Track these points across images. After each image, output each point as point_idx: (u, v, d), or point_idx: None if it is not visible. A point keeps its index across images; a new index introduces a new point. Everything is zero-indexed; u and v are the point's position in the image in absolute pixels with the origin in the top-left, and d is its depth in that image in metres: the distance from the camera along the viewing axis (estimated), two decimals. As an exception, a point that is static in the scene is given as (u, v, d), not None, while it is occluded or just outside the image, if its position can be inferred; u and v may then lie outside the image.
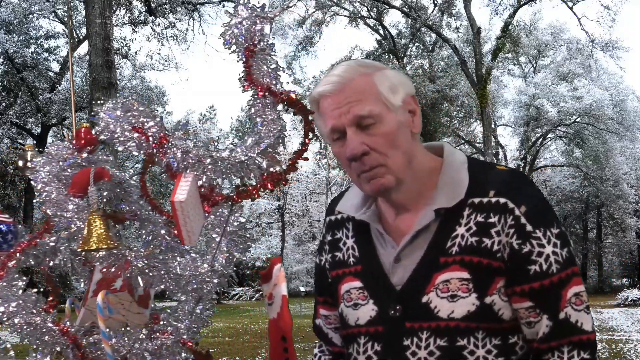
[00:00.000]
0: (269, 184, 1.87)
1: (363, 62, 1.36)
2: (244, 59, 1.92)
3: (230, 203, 1.91)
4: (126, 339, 1.83)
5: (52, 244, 1.87)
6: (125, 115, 1.83)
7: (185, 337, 1.84)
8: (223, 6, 21.26)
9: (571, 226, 42.47)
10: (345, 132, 1.32)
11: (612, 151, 35.24)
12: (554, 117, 33.41)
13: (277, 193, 37.74)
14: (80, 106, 18.95)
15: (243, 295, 33.57)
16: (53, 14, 23.43)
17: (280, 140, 1.85)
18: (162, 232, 1.93)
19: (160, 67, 25.04)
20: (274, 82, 1.84)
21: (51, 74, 24.11)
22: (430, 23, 26.42)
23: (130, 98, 1.87)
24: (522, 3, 25.83)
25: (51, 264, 1.89)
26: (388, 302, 1.34)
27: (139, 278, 1.78)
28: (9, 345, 1.78)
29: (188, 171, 1.80)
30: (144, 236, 1.88)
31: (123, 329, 1.95)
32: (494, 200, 1.29)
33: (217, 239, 1.89)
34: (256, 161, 1.82)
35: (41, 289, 2.12)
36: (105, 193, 1.95)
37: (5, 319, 1.79)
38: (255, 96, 1.87)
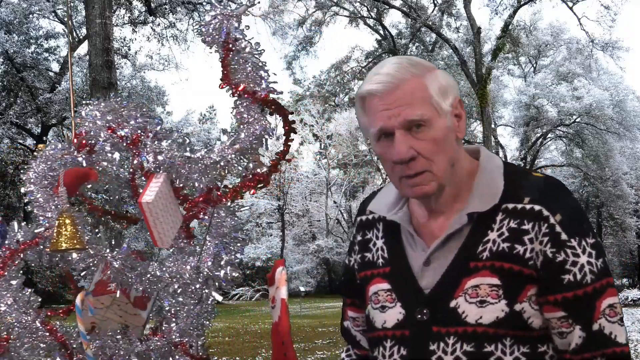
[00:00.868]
0: (250, 185, 1.85)
1: (414, 61, 1.30)
2: (222, 57, 1.90)
3: (211, 205, 1.89)
4: (109, 341, 1.81)
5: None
6: (103, 116, 1.82)
7: (179, 339, 1.83)
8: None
9: (571, 226, 42.37)
10: (392, 133, 1.27)
11: (612, 151, 35.22)
12: (554, 117, 33.40)
13: (277, 193, 37.75)
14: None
15: (243, 295, 33.56)
16: (53, 14, 23.43)
17: (260, 141, 1.83)
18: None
19: (160, 67, 25.04)
20: (258, 81, 1.83)
21: (51, 74, 24.11)
22: (430, 23, 26.41)
23: (113, 99, 1.86)
24: (522, 3, 25.82)
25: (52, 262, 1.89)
26: (416, 306, 1.32)
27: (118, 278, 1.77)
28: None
29: (160, 172, 1.78)
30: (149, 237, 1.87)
31: (114, 330, 1.95)
32: (528, 207, 1.27)
33: (208, 241, 1.88)
34: (232, 162, 1.80)
35: (45, 288, 2.11)
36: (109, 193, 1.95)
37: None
38: (237, 97, 1.86)
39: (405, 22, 29.32)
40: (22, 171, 1.91)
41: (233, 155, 1.78)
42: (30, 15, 22.70)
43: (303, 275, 38.37)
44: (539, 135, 36.76)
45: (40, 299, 1.87)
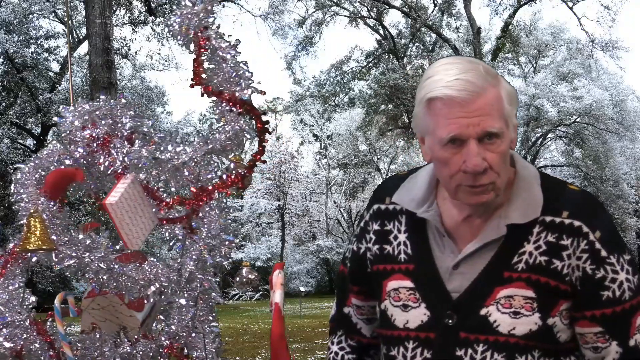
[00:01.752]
0: (224, 187, 1.84)
1: (486, 67, 1.27)
2: (195, 55, 1.89)
3: (191, 206, 1.88)
4: (88, 342, 1.80)
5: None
6: (81, 115, 1.82)
7: (170, 342, 1.82)
8: (223, 6, 21.27)
9: (571, 226, 42.38)
10: (464, 141, 1.23)
11: (612, 151, 35.21)
12: (554, 117, 33.38)
13: (277, 193, 37.74)
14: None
15: (243, 295, 33.56)
16: (53, 14, 23.42)
17: (239, 142, 1.81)
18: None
19: (160, 67, 25.05)
20: (236, 81, 1.81)
21: (51, 74, 24.09)
22: (430, 23, 26.41)
23: (102, 99, 1.85)
24: (522, 3, 25.82)
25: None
26: (443, 309, 1.31)
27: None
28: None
29: (128, 172, 1.76)
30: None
31: (112, 331, 1.94)
32: (567, 221, 1.27)
33: (195, 243, 1.87)
34: (201, 163, 1.78)
35: (45, 288, 2.11)
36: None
37: None
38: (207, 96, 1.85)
39: (405, 22, 29.31)
40: (12, 171, 1.91)
41: (203, 156, 1.76)
42: (30, 15, 22.69)
43: (303, 275, 38.36)
44: (539, 135, 36.75)
45: (35, 299, 1.86)
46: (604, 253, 1.25)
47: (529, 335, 1.25)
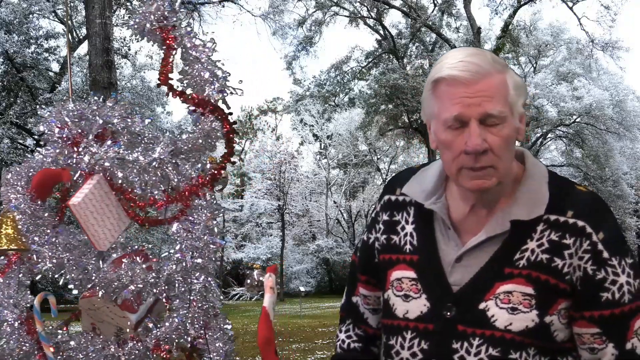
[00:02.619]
0: (194, 189, 1.83)
1: (493, 57, 1.28)
2: (164, 54, 1.88)
3: (165, 207, 1.87)
4: (73, 342, 1.80)
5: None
6: (59, 115, 1.81)
7: (158, 344, 1.81)
8: (223, 6, 21.26)
9: (571, 226, 42.36)
10: (466, 123, 1.25)
11: (612, 151, 35.21)
12: (554, 117, 33.38)
13: (277, 193, 37.73)
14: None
15: (243, 295, 33.55)
16: (53, 14, 23.42)
17: (211, 142, 1.80)
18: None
19: (160, 67, 25.00)
20: (210, 81, 1.80)
21: (51, 74, 24.09)
22: (430, 23, 26.41)
23: (67, 99, 1.86)
24: (522, 3, 25.82)
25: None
26: (443, 301, 1.31)
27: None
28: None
29: (95, 173, 1.76)
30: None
31: (110, 332, 1.94)
32: (571, 221, 1.27)
33: (177, 244, 1.86)
34: (167, 163, 1.77)
35: (45, 289, 2.11)
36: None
37: None
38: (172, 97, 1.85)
39: (405, 22, 29.30)
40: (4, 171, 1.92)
41: (172, 157, 1.76)
42: (30, 15, 22.68)
43: (303, 275, 38.35)
44: (539, 135, 36.74)
45: (33, 300, 1.86)
46: (606, 255, 1.25)
47: (525, 332, 1.25)
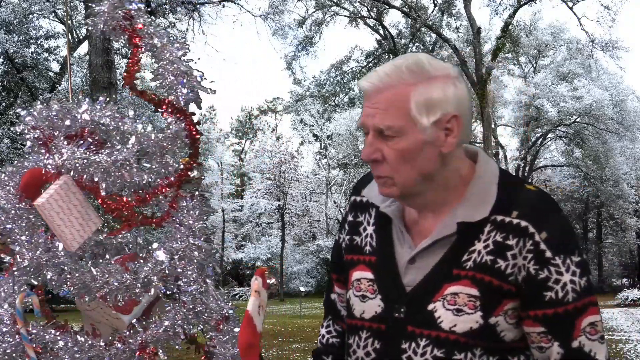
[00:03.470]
0: (162, 190, 1.82)
1: (414, 66, 1.27)
2: (131, 53, 1.88)
3: (130, 208, 1.87)
4: (62, 343, 1.80)
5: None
6: (40, 115, 1.82)
7: (143, 346, 1.81)
8: (223, 6, 21.25)
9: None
10: (368, 132, 1.30)
11: (612, 151, 35.21)
12: (554, 117, 33.38)
13: (277, 193, 37.73)
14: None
15: (243, 295, 33.55)
16: (53, 14, 23.42)
17: (179, 143, 1.79)
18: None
19: (160, 67, 25.01)
20: (179, 82, 1.80)
21: (51, 74, 24.10)
22: (430, 23, 26.41)
23: (49, 99, 1.87)
24: (522, 3, 25.81)
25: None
26: (395, 302, 1.34)
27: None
28: None
29: (63, 173, 1.76)
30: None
31: (107, 332, 1.94)
32: (515, 221, 1.28)
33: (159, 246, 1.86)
34: (131, 163, 1.77)
35: (45, 288, 2.11)
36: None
37: None
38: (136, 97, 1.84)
39: (405, 22, 29.31)
40: None
41: (139, 157, 1.75)
42: (30, 15, 22.69)
43: (303, 275, 38.36)
44: (539, 135, 36.73)
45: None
46: (548, 254, 1.25)
47: (469, 333, 1.26)
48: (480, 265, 1.27)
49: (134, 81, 1.85)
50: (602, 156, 34.90)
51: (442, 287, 1.29)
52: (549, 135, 37.22)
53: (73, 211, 1.74)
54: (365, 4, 27.60)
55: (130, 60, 1.84)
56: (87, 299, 1.79)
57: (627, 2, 32.14)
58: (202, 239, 1.83)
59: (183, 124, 1.82)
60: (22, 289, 1.83)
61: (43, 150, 1.82)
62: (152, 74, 1.84)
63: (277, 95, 59.73)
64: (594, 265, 42.37)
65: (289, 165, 37.68)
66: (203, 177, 1.92)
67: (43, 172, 1.84)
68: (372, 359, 1.34)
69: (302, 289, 29.74)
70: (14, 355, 1.77)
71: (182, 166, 1.85)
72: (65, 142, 1.79)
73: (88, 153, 1.75)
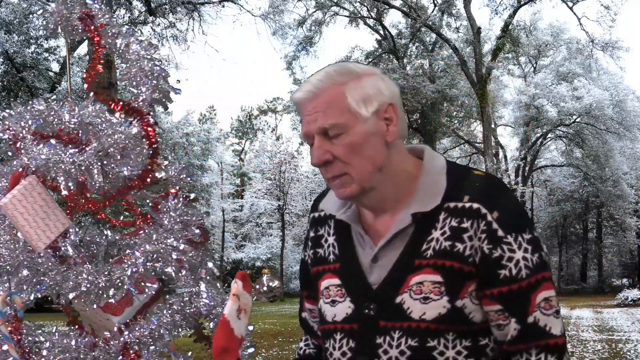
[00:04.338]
0: (124, 191, 1.82)
1: (342, 69, 1.36)
2: (93, 53, 1.88)
3: (96, 209, 1.87)
4: (48, 343, 1.79)
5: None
6: (10, 116, 1.82)
7: (126, 347, 1.80)
8: (223, 6, 21.26)
9: (571, 226, 42.42)
10: (313, 138, 1.35)
11: (612, 151, 35.23)
12: (554, 117, 33.40)
13: (277, 193, 37.74)
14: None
15: (243, 295, 33.52)
16: (53, 14, 23.41)
17: (139, 144, 1.78)
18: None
19: (160, 67, 25.00)
20: (146, 80, 1.79)
21: (51, 74, 24.10)
22: (430, 23, 26.42)
23: (33, 100, 1.86)
24: (522, 3, 25.82)
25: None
26: (364, 301, 1.38)
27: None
28: None
29: (28, 174, 1.75)
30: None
31: (103, 333, 1.94)
32: (467, 205, 1.32)
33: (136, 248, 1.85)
34: (92, 164, 1.76)
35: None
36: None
37: None
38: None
39: (405, 22, 29.32)
40: None
41: (99, 157, 1.75)
42: (30, 15, 22.69)
43: (303, 275, 38.32)
44: (539, 135, 36.75)
45: (33, 299, 1.86)
46: (500, 233, 1.29)
47: (438, 318, 1.30)
48: (440, 252, 1.31)
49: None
50: (602, 156, 34.92)
51: (407, 278, 1.33)
52: (549, 135, 37.24)
53: (38, 211, 1.74)
54: (365, 4, 27.61)
55: (92, 60, 1.84)
56: (62, 301, 1.78)
57: (627, 2, 32.14)
58: (181, 241, 1.83)
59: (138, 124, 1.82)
60: (4, 289, 1.82)
61: (12, 151, 1.82)
62: (121, 74, 1.84)
63: (277, 95, 59.68)
64: (594, 265, 42.38)
65: (289, 165, 37.68)
66: (167, 178, 1.90)
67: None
68: (349, 358, 1.38)
69: (302, 289, 29.69)
70: (1, 357, 1.77)
71: (143, 167, 1.84)
72: (35, 142, 1.79)
73: (52, 153, 1.75)
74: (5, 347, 1.78)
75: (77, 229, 2.01)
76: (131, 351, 1.81)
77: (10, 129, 1.80)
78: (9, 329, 1.80)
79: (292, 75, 29.78)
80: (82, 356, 1.79)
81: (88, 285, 1.73)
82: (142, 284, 1.91)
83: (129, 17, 21.91)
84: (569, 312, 20.69)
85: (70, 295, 1.75)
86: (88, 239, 2.04)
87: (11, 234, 1.80)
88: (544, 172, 40.77)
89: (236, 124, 49.66)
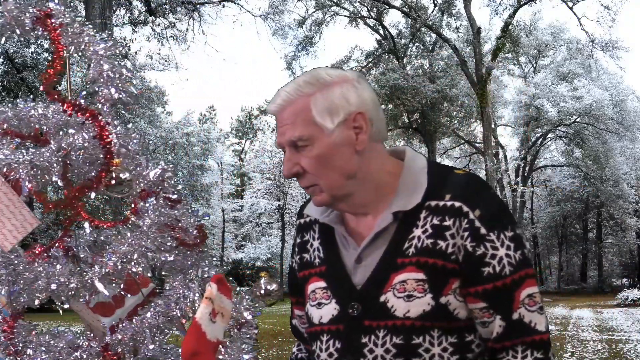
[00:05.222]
0: (84, 190, 1.82)
1: (311, 79, 1.36)
2: (54, 53, 1.87)
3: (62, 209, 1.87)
4: (34, 345, 1.80)
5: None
6: None
7: (107, 349, 1.80)
8: (223, 6, 21.27)
9: (571, 226, 42.42)
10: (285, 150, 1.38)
11: (612, 151, 35.23)
12: (554, 117, 33.40)
13: (277, 193, 37.74)
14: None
15: (243, 295, 33.55)
16: (53, 14, 23.40)
17: (104, 145, 1.78)
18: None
19: (160, 67, 25.03)
20: (110, 80, 1.79)
21: (51, 74, 24.09)
22: (430, 23, 26.42)
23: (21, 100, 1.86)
24: (522, 3, 25.83)
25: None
26: (349, 301, 1.39)
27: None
28: None
29: None
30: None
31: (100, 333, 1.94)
32: (449, 203, 1.33)
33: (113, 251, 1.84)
34: (53, 165, 1.76)
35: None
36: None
37: None
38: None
39: (405, 22, 29.32)
40: None
41: (57, 158, 1.75)
42: (30, 15, 22.66)
43: (303, 275, 38.34)
44: (539, 135, 36.75)
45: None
46: (483, 230, 1.31)
47: (423, 315, 1.31)
48: (422, 250, 1.32)
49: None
50: (602, 156, 34.92)
51: (390, 277, 1.34)
52: (549, 135, 37.24)
53: (5, 211, 1.74)
54: (365, 4, 27.62)
55: (53, 61, 1.83)
56: (36, 300, 1.78)
57: (627, 2, 32.14)
58: (155, 243, 1.82)
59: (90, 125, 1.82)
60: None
61: None
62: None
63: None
64: (594, 265, 42.39)
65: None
66: (131, 179, 1.87)
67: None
68: (336, 359, 1.39)
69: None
70: None
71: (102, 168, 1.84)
72: (3, 142, 1.79)
73: (14, 153, 1.75)
74: None
75: (86, 230, 2.02)
76: (111, 352, 1.80)
77: None
78: (4, 327, 1.80)
79: (292, 76, 29.78)
80: (65, 356, 1.79)
81: (58, 285, 1.73)
82: (137, 284, 1.91)
83: (129, 17, 21.92)
84: (569, 312, 20.69)
85: (41, 295, 1.74)
86: (67, 239, 2.05)
87: None
88: (544, 172, 40.78)
89: (236, 124, 49.66)
